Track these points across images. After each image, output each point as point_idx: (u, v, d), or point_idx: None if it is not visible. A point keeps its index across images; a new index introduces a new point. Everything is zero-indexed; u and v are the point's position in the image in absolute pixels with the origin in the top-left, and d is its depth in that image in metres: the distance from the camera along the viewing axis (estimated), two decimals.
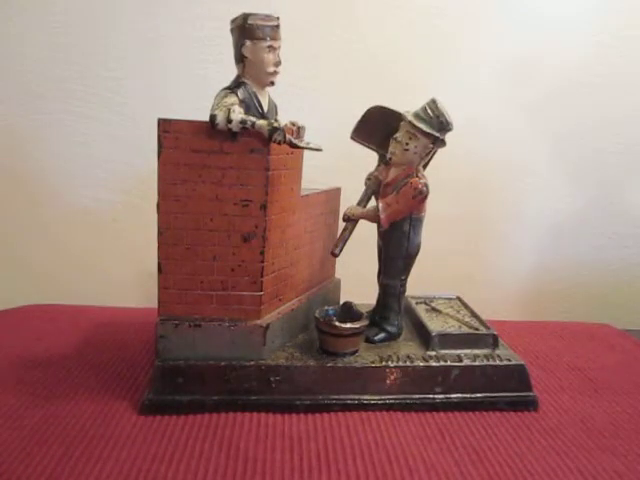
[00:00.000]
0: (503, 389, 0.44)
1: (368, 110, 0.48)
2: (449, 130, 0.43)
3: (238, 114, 0.37)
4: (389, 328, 0.47)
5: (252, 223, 0.40)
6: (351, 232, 0.46)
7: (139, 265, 0.66)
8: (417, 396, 0.43)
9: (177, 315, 0.41)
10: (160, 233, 0.40)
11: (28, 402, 0.41)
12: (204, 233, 0.40)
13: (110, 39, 0.63)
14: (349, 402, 0.42)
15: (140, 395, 0.41)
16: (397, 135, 0.44)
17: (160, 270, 0.40)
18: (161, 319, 0.40)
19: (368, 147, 0.49)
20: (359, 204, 0.47)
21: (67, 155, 0.64)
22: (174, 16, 0.63)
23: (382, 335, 0.47)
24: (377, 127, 0.48)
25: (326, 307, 0.45)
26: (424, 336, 0.46)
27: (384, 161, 0.47)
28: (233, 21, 0.39)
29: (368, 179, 0.48)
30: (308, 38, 0.63)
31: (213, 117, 0.37)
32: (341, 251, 0.46)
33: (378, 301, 0.48)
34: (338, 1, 0.63)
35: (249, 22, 0.38)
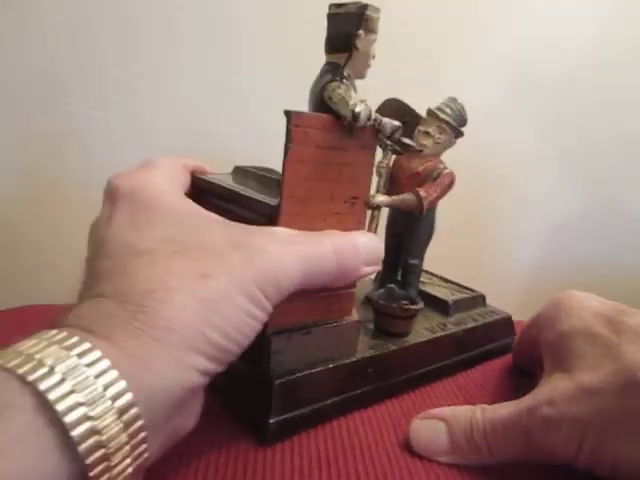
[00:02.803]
0: (497, 339, 0.55)
1: (385, 101, 0.50)
2: (465, 125, 0.50)
3: (369, 109, 0.36)
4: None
5: (357, 220, 0.39)
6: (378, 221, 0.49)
7: None
8: (456, 359, 0.50)
9: (286, 325, 0.37)
10: None
11: None
12: None
13: (119, 38, 0.61)
14: (420, 374, 0.46)
15: None
16: (429, 129, 0.48)
17: None
18: (274, 333, 0.37)
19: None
20: (379, 191, 0.50)
21: (68, 154, 0.63)
22: (186, 15, 0.61)
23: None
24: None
25: (379, 291, 0.47)
26: (438, 305, 0.53)
27: (406, 151, 0.50)
28: (340, 6, 0.36)
29: (382, 167, 0.51)
30: (312, 33, 0.58)
31: (357, 113, 0.34)
32: None
33: (399, 281, 0.52)
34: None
35: (368, 13, 0.36)
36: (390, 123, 0.37)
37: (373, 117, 0.36)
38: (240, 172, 0.44)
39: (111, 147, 0.65)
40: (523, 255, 0.74)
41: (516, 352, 0.50)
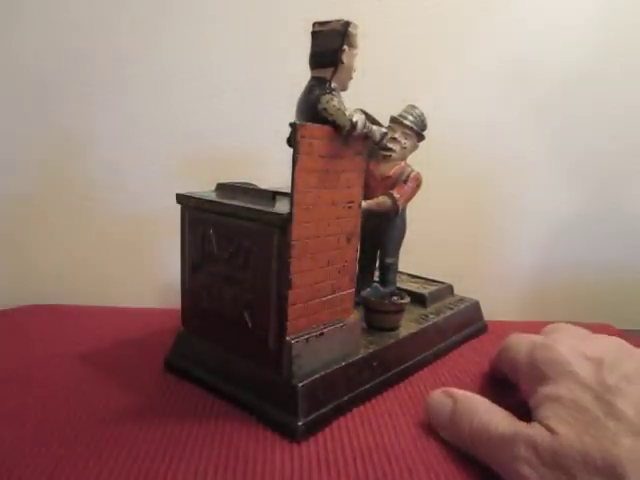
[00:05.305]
0: (471, 323, 0.59)
1: None
2: (426, 129, 0.54)
3: (363, 118, 0.38)
4: None
5: (353, 223, 0.42)
6: None
7: (141, 264, 0.67)
8: (441, 345, 0.53)
9: (302, 330, 0.39)
10: (291, 246, 0.37)
11: (28, 402, 0.40)
12: (323, 239, 0.39)
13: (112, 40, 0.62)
14: (414, 362, 0.49)
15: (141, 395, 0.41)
16: (395, 135, 0.52)
17: (290, 286, 0.37)
18: (294, 338, 0.38)
19: None
20: None
21: (68, 153, 0.64)
22: (179, 17, 0.61)
23: None
24: None
25: (367, 290, 0.50)
26: (415, 299, 0.56)
27: (373, 157, 0.53)
28: (323, 24, 0.39)
29: None
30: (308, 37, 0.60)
31: (355, 122, 0.37)
32: None
33: (378, 280, 0.55)
34: (339, 1, 0.60)
35: (350, 29, 0.39)
36: (379, 130, 0.40)
37: (368, 126, 0.39)
38: (226, 188, 0.45)
39: (113, 148, 0.65)
40: (522, 258, 0.74)
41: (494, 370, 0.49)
